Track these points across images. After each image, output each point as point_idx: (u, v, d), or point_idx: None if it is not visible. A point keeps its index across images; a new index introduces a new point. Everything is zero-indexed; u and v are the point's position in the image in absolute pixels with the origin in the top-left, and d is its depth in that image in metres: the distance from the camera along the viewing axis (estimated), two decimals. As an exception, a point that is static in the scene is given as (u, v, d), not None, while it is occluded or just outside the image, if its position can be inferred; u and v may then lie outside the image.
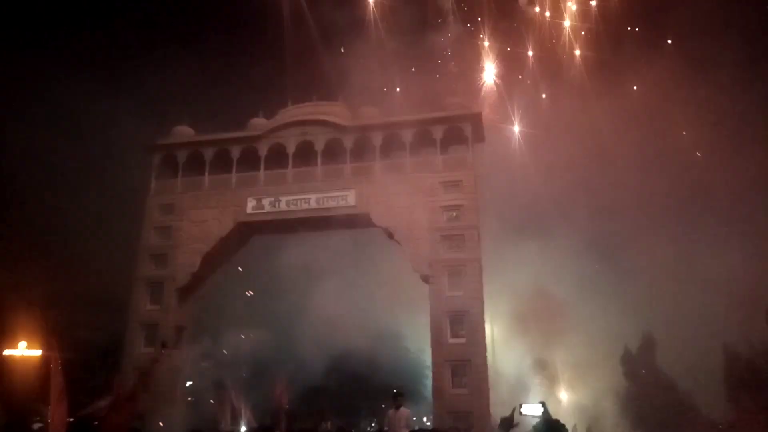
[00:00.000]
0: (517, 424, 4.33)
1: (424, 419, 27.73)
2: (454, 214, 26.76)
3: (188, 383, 29.57)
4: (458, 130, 28.04)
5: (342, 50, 33.30)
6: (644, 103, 33.13)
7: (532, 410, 4.65)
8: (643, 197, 34.93)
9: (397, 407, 12.44)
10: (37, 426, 12.99)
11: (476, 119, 28.35)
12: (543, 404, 4.70)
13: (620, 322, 32.75)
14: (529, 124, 33.96)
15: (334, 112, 29.54)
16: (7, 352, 22.32)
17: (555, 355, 30.89)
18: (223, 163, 30.03)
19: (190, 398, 29.44)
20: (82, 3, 45.08)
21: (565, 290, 32.41)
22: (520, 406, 4.77)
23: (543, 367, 31.39)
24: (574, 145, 31.75)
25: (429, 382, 25.86)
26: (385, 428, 12.55)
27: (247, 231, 29.75)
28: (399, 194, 26.97)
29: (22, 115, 34.81)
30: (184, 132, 30.97)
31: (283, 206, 28.51)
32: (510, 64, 36.16)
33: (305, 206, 28.24)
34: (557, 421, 6.54)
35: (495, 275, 27.99)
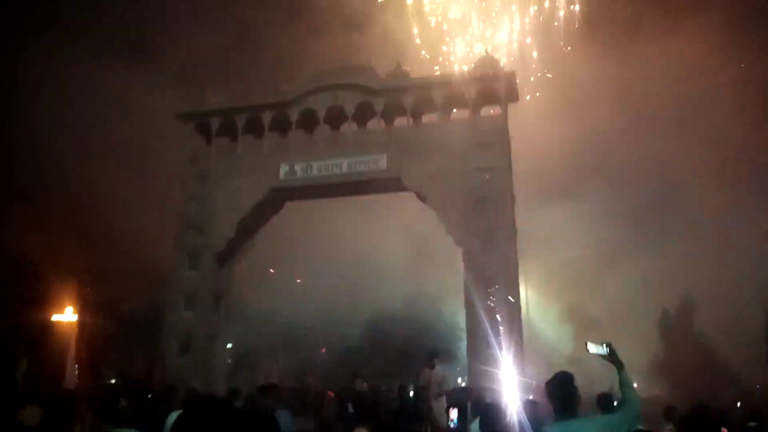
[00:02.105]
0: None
1: (459, 379, 28.00)
2: (487, 177, 26.30)
3: (228, 345, 30.41)
4: (491, 89, 27.43)
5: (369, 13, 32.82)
6: (683, 67, 31.85)
7: (597, 350, 4.48)
8: (683, 159, 33.96)
9: (431, 367, 12.62)
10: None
11: (510, 78, 27.64)
12: (609, 345, 4.51)
13: (659, 284, 32.23)
14: (564, 84, 33.07)
15: (364, 75, 29.19)
16: (55, 318, 23.24)
17: (590, 312, 30.66)
18: (254, 130, 30.14)
19: (229, 360, 30.28)
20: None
21: (603, 253, 31.94)
22: (586, 344, 4.61)
23: (575, 314, 31.13)
24: (611, 106, 30.88)
25: (463, 344, 25.95)
26: (420, 384, 12.74)
27: (280, 197, 29.94)
28: (431, 157, 26.64)
29: (56, 89, 35.50)
30: (215, 100, 31.09)
31: (315, 172, 28.52)
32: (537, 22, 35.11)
33: (337, 171, 28.18)
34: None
35: (529, 237, 27.64)
